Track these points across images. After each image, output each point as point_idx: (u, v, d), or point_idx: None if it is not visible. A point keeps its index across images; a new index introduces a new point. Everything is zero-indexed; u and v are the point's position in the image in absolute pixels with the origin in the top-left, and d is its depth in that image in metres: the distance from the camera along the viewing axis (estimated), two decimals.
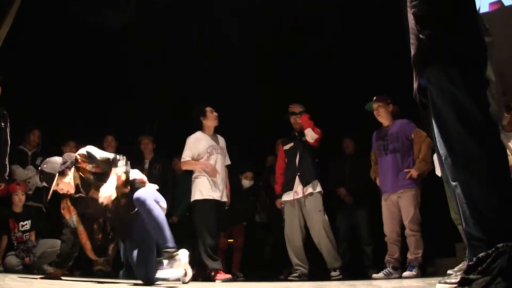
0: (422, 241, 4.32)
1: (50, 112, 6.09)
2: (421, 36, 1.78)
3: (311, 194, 4.78)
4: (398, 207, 4.43)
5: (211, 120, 4.83)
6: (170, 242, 2.97)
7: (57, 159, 3.30)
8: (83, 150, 3.29)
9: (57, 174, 3.20)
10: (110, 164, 3.17)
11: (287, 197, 4.91)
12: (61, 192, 3.28)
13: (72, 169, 3.25)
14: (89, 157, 3.24)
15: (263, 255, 6.06)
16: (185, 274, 3.12)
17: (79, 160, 3.25)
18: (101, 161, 3.22)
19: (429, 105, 1.83)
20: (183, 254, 3.13)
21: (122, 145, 5.76)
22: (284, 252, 5.40)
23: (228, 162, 4.93)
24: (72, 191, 3.27)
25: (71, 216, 3.31)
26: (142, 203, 3.07)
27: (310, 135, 4.84)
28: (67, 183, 3.23)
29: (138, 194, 3.11)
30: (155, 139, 5.93)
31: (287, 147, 5.09)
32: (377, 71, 6.05)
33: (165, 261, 2.89)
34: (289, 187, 4.91)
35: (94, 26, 6.33)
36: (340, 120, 5.11)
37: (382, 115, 4.58)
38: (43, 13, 6.02)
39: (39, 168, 3.40)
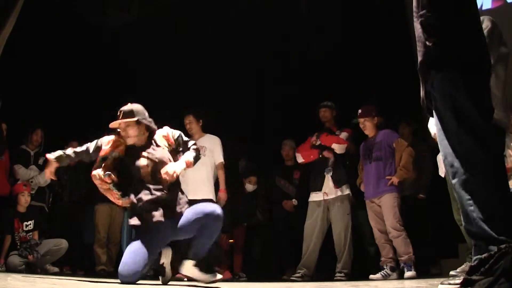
0: (408, 240, 4.32)
1: (52, 112, 6.09)
2: (427, 43, 1.85)
3: (340, 197, 4.76)
4: (381, 209, 4.51)
5: None
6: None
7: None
8: (176, 132, 3.17)
9: (135, 119, 3.01)
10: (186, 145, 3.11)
11: (316, 197, 4.85)
12: (123, 134, 3.08)
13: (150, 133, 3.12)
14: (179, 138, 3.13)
15: (266, 255, 6.04)
16: (165, 274, 3.02)
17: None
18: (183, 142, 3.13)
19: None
20: (167, 253, 3.04)
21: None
22: (286, 253, 5.40)
23: (219, 161, 4.82)
24: (130, 142, 3.07)
25: (113, 152, 3.08)
26: (217, 217, 2.94)
27: (338, 148, 4.84)
28: (134, 134, 3.04)
29: (214, 207, 3.01)
30: None
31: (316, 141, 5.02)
32: (375, 74, 6.05)
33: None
34: (317, 186, 4.85)
35: (95, 26, 6.35)
36: (340, 122, 5.08)
37: (368, 129, 4.71)
38: (44, 13, 6.03)
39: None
